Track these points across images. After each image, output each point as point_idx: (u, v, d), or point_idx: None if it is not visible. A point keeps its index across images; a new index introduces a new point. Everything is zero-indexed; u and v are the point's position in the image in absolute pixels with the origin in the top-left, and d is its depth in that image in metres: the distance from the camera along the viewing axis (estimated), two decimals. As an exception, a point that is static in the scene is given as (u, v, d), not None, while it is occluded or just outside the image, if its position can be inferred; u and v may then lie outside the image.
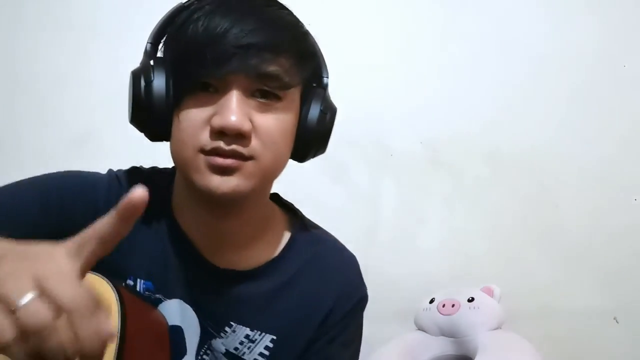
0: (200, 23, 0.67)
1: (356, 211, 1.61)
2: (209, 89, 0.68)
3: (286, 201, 0.88)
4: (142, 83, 0.69)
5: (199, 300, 0.78)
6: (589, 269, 1.55)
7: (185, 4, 0.73)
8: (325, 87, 0.79)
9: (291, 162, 0.81)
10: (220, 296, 0.78)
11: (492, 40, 1.62)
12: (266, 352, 0.78)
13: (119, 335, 0.65)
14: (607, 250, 1.55)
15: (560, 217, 1.57)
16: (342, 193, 1.62)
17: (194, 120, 0.68)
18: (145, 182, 0.82)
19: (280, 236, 0.83)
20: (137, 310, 0.70)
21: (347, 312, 0.82)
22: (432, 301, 1.44)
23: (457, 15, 1.64)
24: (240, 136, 0.67)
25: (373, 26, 1.64)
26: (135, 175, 0.82)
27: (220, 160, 0.67)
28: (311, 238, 0.84)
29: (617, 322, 1.57)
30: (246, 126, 0.67)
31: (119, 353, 0.64)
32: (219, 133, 0.66)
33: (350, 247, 0.90)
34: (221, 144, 0.66)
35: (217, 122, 0.66)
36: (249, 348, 0.78)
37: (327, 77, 0.80)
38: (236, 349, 0.78)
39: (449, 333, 1.38)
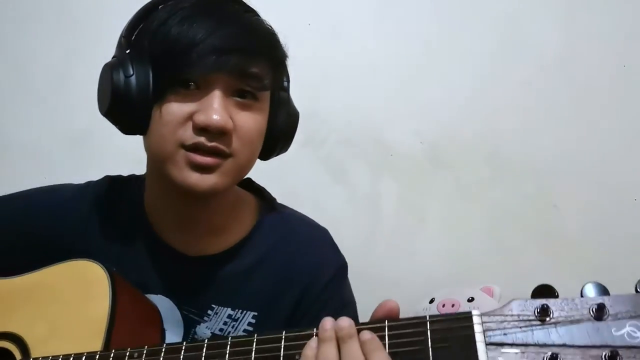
0: (185, 23, 0.69)
1: (356, 211, 1.61)
2: (190, 86, 0.70)
3: (257, 185, 0.91)
4: (121, 76, 0.70)
5: (178, 292, 0.81)
6: (588, 269, 1.55)
7: (160, 1, 0.75)
8: (287, 90, 0.82)
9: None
10: (198, 283, 0.81)
11: (492, 41, 1.62)
12: (250, 328, 0.81)
13: (109, 311, 0.69)
14: (607, 250, 1.55)
15: (560, 217, 1.57)
16: (342, 193, 1.62)
17: (176, 115, 0.70)
18: (119, 187, 0.87)
19: (250, 218, 0.85)
20: (127, 293, 0.74)
21: (327, 282, 0.84)
22: (432, 301, 1.44)
23: (458, 15, 1.63)
24: (222, 134, 0.69)
25: (373, 26, 1.64)
26: (109, 182, 0.87)
27: (200, 159, 0.69)
28: (280, 217, 0.87)
29: (617, 322, 1.56)
30: (229, 124, 0.69)
31: (109, 329, 0.68)
32: (202, 130, 0.69)
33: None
34: (203, 140, 0.69)
35: (202, 119, 0.68)
36: (233, 327, 0.81)
37: (289, 82, 0.82)
38: (221, 330, 0.81)
39: (449, 333, 1.38)
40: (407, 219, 1.61)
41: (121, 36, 0.76)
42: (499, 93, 1.60)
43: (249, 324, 0.81)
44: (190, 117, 0.70)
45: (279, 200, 0.93)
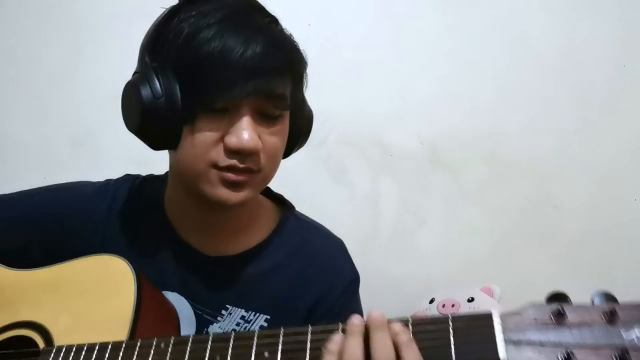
0: (214, 42, 0.69)
1: (356, 211, 1.61)
2: (220, 109, 0.71)
3: (276, 193, 0.92)
4: (150, 96, 0.70)
5: (193, 291, 0.82)
6: (588, 269, 1.55)
7: (177, 9, 0.74)
8: (303, 95, 0.83)
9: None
10: (215, 283, 0.82)
11: (492, 41, 1.62)
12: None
13: (134, 306, 0.71)
14: (607, 250, 1.55)
15: (560, 217, 1.57)
16: (342, 193, 1.62)
17: (207, 137, 0.71)
18: (139, 186, 0.87)
19: (269, 222, 0.87)
20: (150, 289, 0.75)
21: (341, 293, 0.85)
22: (432, 301, 1.44)
23: (458, 14, 1.63)
24: (253, 154, 0.72)
25: (373, 26, 1.64)
26: (130, 181, 0.88)
27: (233, 177, 0.72)
28: (299, 224, 0.89)
29: (617, 322, 1.57)
30: (259, 146, 0.72)
31: (134, 323, 0.70)
32: (234, 152, 0.71)
33: (350, 247, 0.90)
34: (235, 162, 0.71)
35: (234, 143, 0.70)
36: (245, 328, 0.81)
37: (306, 87, 0.83)
38: (233, 330, 0.81)
39: (449, 333, 1.38)
40: (407, 219, 1.61)
41: (144, 50, 0.75)
42: (499, 93, 1.60)
43: (261, 327, 0.82)
44: (221, 138, 0.71)
45: (278, 201, 0.93)
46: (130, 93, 0.73)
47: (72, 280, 0.77)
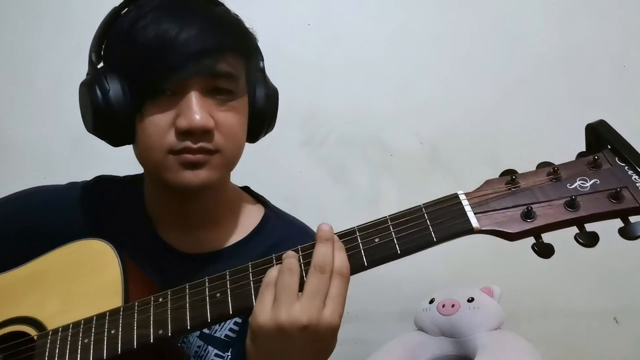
0: (149, 29, 0.70)
1: (356, 211, 1.61)
2: (167, 93, 0.72)
3: (256, 193, 0.93)
4: (98, 93, 0.72)
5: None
6: (589, 269, 1.55)
7: (120, 8, 0.76)
8: (263, 70, 0.83)
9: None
10: (193, 281, 0.81)
11: (492, 41, 1.62)
12: (235, 327, 0.82)
13: (122, 271, 0.71)
14: (607, 250, 1.54)
15: (560, 217, 1.57)
16: (342, 193, 1.62)
17: (158, 124, 0.72)
18: (115, 187, 0.88)
19: (251, 221, 0.87)
20: (131, 263, 0.75)
21: None
22: (432, 301, 1.44)
23: (458, 14, 1.63)
24: (205, 133, 0.72)
25: (373, 26, 1.64)
26: (109, 181, 0.89)
27: (190, 157, 0.72)
28: (280, 222, 0.89)
29: (617, 322, 1.57)
30: (210, 123, 0.72)
31: (126, 286, 0.71)
32: (185, 133, 0.71)
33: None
34: (189, 143, 0.72)
35: (183, 123, 0.71)
36: (220, 325, 0.82)
37: (263, 61, 0.83)
38: (209, 328, 0.82)
39: (448, 333, 1.38)
40: (407, 219, 1.61)
41: (90, 51, 0.78)
42: (499, 93, 1.60)
43: (235, 322, 0.82)
44: (172, 123, 0.72)
45: (279, 201, 0.93)
46: (82, 94, 0.76)
47: (53, 269, 0.77)
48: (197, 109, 0.70)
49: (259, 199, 0.92)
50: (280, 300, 0.59)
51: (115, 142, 0.77)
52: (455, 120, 1.60)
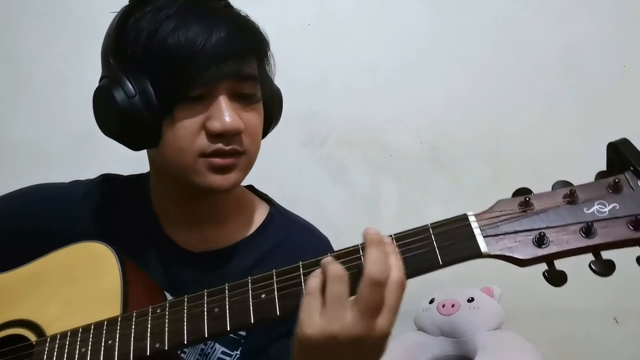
0: (178, 34, 0.70)
1: (356, 211, 1.61)
2: (195, 96, 0.72)
3: (261, 192, 0.93)
4: (124, 97, 0.70)
5: (178, 287, 0.81)
6: (589, 269, 1.54)
7: (131, 8, 0.74)
8: (272, 71, 0.84)
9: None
10: (199, 278, 0.82)
11: (492, 41, 1.62)
12: None
13: (121, 279, 0.71)
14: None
15: (560, 217, 1.57)
16: (342, 193, 1.62)
17: (189, 128, 0.72)
18: (119, 185, 0.88)
19: (256, 219, 0.87)
20: (132, 266, 0.75)
21: None
22: (432, 301, 1.44)
23: (458, 15, 1.64)
24: (236, 135, 0.73)
25: (373, 26, 1.64)
26: (110, 181, 0.89)
27: (221, 162, 0.73)
28: (285, 220, 0.89)
29: (617, 322, 1.57)
30: (241, 125, 0.73)
31: (125, 295, 0.70)
32: (217, 136, 0.72)
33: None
34: (221, 145, 0.72)
35: (217, 125, 0.71)
36: None
37: (274, 66, 0.84)
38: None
39: (448, 333, 1.38)
40: (407, 219, 1.61)
41: (107, 54, 0.75)
42: (499, 93, 1.60)
43: None
44: (201, 126, 0.72)
45: (279, 200, 0.93)
46: (103, 98, 0.73)
47: (53, 271, 0.77)
48: (230, 112, 0.72)
49: (263, 197, 0.92)
50: (332, 309, 0.56)
51: (139, 146, 0.76)
52: (455, 120, 1.60)
